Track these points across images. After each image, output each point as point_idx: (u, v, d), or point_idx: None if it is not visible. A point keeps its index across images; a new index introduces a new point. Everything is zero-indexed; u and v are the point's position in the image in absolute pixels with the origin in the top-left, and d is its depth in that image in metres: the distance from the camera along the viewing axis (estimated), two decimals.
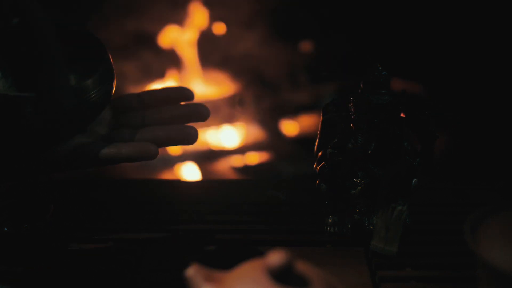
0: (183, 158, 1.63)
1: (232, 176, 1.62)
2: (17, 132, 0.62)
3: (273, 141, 1.69)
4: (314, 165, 0.73)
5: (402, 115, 0.69)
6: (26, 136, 0.62)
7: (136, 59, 1.66)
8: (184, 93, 0.71)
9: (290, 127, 1.71)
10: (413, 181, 0.70)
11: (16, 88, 0.66)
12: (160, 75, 1.71)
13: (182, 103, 0.72)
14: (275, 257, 0.48)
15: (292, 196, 0.82)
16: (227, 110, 1.69)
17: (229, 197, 0.83)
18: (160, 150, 0.66)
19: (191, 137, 0.67)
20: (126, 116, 0.71)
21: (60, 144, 0.64)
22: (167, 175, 1.59)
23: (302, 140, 1.67)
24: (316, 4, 1.63)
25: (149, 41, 1.70)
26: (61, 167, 0.64)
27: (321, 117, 0.73)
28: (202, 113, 0.69)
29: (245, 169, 1.64)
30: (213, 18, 1.71)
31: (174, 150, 1.63)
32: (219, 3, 1.70)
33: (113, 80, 0.68)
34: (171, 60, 1.70)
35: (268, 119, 1.71)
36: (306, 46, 1.74)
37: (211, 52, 1.72)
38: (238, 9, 1.68)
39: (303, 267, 0.50)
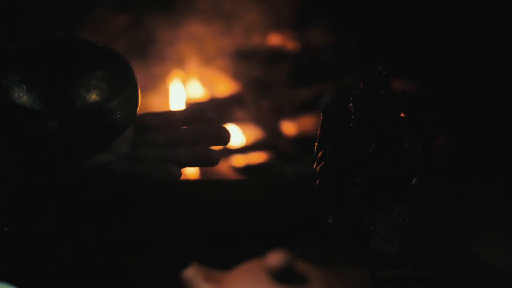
0: None
1: (232, 176, 1.62)
2: (41, 146, 0.62)
3: (273, 141, 1.69)
4: (314, 165, 0.73)
5: (402, 115, 0.69)
6: (49, 151, 0.62)
7: (137, 60, 1.66)
8: (206, 114, 0.72)
9: (290, 127, 1.71)
10: (413, 181, 0.70)
11: (40, 103, 0.67)
12: (161, 76, 1.71)
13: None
14: (275, 257, 0.48)
15: (292, 196, 0.82)
16: (227, 110, 1.69)
17: (229, 197, 0.82)
18: None
19: (214, 161, 0.69)
20: (149, 135, 0.71)
21: (83, 161, 0.64)
22: None
23: (302, 140, 1.67)
24: (318, 4, 1.63)
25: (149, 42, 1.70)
26: (83, 184, 0.65)
27: (321, 117, 0.73)
28: (225, 137, 0.70)
29: (245, 169, 1.64)
30: (215, 18, 1.71)
31: None
32: (221, 2, 1.70)
33: (138, 101, 0.68)
34: (172, 60, 1.70)
35: (268, 119, 1.70)
36: (306, 45, 1.74)
37: (211, 52, 1.72)
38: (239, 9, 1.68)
39: (303, 267, 0.50)
